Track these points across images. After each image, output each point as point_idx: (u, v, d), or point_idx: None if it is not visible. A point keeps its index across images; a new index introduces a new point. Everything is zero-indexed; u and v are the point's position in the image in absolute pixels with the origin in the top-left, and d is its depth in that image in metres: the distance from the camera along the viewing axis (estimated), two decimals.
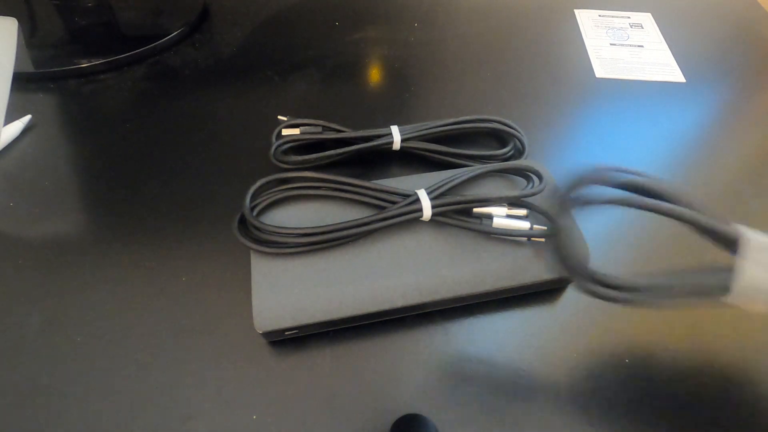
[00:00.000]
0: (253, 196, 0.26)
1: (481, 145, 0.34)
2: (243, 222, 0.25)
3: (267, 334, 0.23)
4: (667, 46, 0.44)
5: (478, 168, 0.28)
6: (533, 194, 0.26)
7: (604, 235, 0.29)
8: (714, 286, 0.16)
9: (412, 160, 0.32)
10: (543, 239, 0.25)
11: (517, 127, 0.32)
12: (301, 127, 0.31)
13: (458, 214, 0.26)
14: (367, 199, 0.26)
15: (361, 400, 0.23)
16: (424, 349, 0.24)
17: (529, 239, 0.25)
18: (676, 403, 0.23)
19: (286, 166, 0.30)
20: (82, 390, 0.23)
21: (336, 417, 0.22)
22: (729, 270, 0.16)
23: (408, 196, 0.26)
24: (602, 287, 0.18)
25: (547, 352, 0.24)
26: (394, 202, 0.26)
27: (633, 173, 0.18)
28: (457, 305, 0.25)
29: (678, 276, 0.17)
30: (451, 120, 0.32)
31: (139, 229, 0.29)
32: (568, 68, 0.41)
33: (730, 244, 0.16)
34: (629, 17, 0.47)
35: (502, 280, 0.24)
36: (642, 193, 0.18)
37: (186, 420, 0.22)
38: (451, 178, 0.27)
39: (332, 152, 0.30)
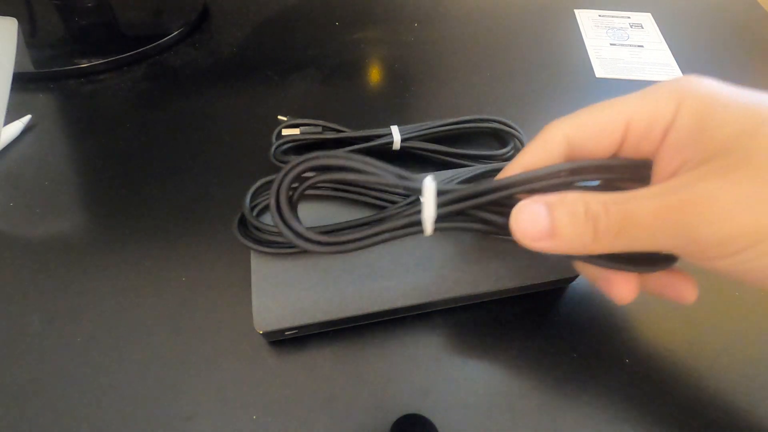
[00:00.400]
0: (253, 196, 0.26)
1: (481, 145, 0.34)
2: (243, 222, 0.25)
3: (267, 334, 0.23)
4: (667, 46, 0.44)
5: (478, 168, 0.28)
6: None
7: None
8: (407, 223, 0.20)
9: (412, 160, 0.32)
10: None
11: (517, 127, 0.32)
12: (301, 127, 0.31)
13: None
14: (367, 200, 0.26)
15: (361, 400, 0.23)
16: (424, 349, 0.24)
17: None
18: (676, 403, 0.23)
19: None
20: (83, 390, 0.23)
21: (336, 417, 0.22)
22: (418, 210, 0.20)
23: (408, 196, 0.26)
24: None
25: (547, 352, 0.24)
26: (394, 202, 0.26)
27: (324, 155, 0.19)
28: (457, 305, 0.25)
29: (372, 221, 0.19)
30: (451, 120, 0.32)
31: (139, 229, 0.29)
32: (568, 68, 0.41)
33: (415, 191, 0.19)
34: (629, 17, 0.47)
35: (503, 280, 0.24)
36: (329, 170, 0.20)
37: (186, 420, 0.22)
38: (451, 178, 0.27)
39: None
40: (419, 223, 0.20)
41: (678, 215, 0.16)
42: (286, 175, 0.19)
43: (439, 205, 0.20)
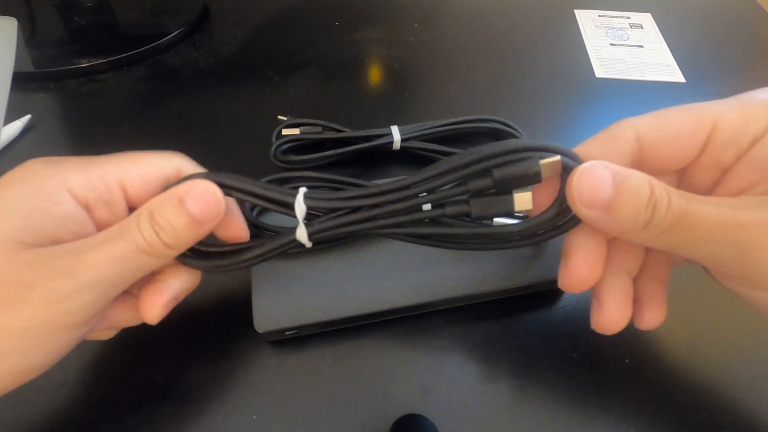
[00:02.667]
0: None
1: (481, 145, 0.34)
2: None
3: (267, 334, 0.23)
4: (666, 46, 0.44)
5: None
6: None
7: None
8: (288, 241, 0.19)
9: (412, 160, 0.32)
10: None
11: (517, 127, 0.32)
12: (301, 127, 0.31)
13: None
14: None
15: (361, 400, 0.23)
16: (424, 349, 0.24)
17: None
18: (676, 403, 0.23)
19: (286, 166, 0.30)
20: (83, 389, 0.23)
21: (336, 417, 0.22)
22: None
23: None
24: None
25: (547, 352, 0.24)
26: None
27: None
28: (457, 305, 0.25)
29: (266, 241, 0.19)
30: (451, 120, 0.32)
31: None
32: (568, 68, 0.41)
33: (287, 206, 0.19)
34: (629, 17, 0.47)
35: (502, 281, 0.24)
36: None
37: (186, 420, 0.22)
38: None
39: (332, 152, 0.30)
40: (296, 240, 0.19)
41: (738, 233, 0.15)
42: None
43: (311, 233, 0.19)
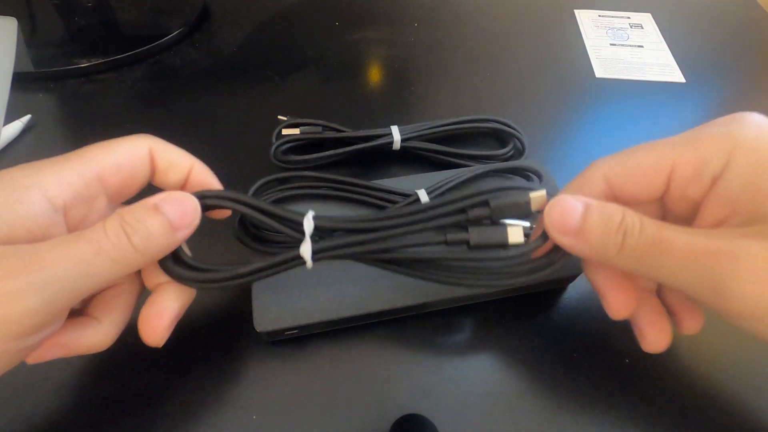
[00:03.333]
0: (253, 196, 0.26)
1: (481, 145, 0.34)
2: (243, 222, 0.25)
3: (267, 334, 0.23)
4: (666, 46, 0.44)
5: (478, 168, 0.28)
6: None
7: None
8: (291, 257, 0.19)
9: (412, 160, 0.32)
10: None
11: (517, 127, 0.32)
12: (301, 127, 0.31)
13: None
14: (367, 199, 0.26)
15: (361, 400, 0.23)
16: (424, 349, 0.24)
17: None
18: (676, 403, 0.23)
19: (286, 166, 0.30)
20: (82, 390, 0.23)
21: (336, 417, 0.22)
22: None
23: (408, 196, 0.26)
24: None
25: (547, 352, 0.24)
26: (394, 202, 0.26)
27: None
28: (457, 305, 0.25)
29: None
30: (451, 120, 0.32)
31: None
32: (568, 68, 0.41)
33: (295, 223, 0.19)
34: (629, 17, 0.47)
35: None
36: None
37: (186, 420, 0.22)
38: (451, 179, 0.27)
39: (332, 152, 0.30)
40: (299, 257, 0.19)
41: (710, 262, 0.15)
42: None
43: (315, 251, 0.19)
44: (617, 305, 0.20)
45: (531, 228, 0.21)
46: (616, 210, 0.17)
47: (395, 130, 0.31)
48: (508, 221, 0.19)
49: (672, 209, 0.20)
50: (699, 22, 0.46)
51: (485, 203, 0.19)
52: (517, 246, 0.19)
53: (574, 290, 0.27)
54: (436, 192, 0.26)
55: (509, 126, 0.32)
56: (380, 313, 0.24)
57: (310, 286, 0.23)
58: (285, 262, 0.19)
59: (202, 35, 0.43)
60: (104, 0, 0.44)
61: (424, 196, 0.25)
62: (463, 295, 0.24)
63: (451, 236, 0.19)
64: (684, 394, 0.23)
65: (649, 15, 0.47)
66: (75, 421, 0.22)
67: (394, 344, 0.24)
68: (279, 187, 0.27)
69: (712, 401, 0.23)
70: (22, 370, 0.19)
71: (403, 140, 0.30)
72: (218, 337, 0.25)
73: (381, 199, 0.26)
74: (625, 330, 0.25)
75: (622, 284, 0.20)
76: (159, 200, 0.17)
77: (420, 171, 0.30)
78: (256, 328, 0.23)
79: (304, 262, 0.19)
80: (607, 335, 0.25)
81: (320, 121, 0.31)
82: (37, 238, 0.16)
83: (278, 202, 0.27)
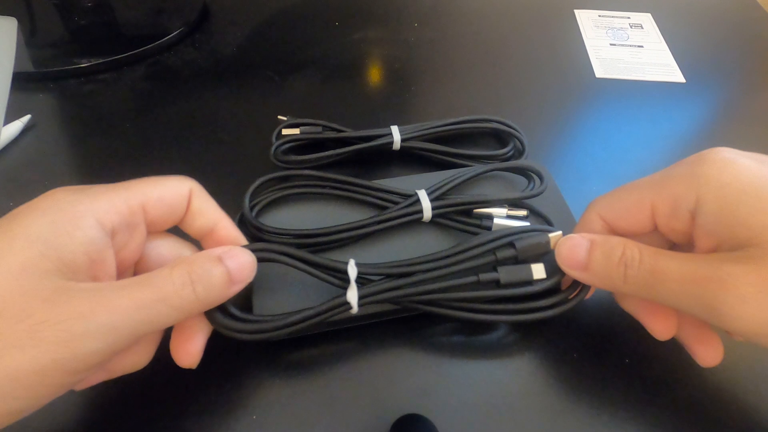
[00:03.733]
0: (253, 196, 0.26)
1: (481, 145, 0.34)
2: (243, 222, 0.25)
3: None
4: (666, 46, 0.44)
5: (478, 168, 0.28)
6: (534, 195, 0.26)
7: None
8: (339, 303, 0.20)
9: (412, 160, 0.32)
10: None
11: (517, 127, 0.32)
12: (301, 127, 0.31)
13: (459, 215, 0.26)
14: (367, 199, 0.26)
15: (361, 400, 0.23)
16: (424, 349, 0.24)
17: None
18: (676, 403, 0.23)
19: (286, 165, 0.30)
20: (83, 390, 0.23)
21: (336, 417, 0.22)
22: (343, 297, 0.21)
23: (408, 196, 0.26)
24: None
25: (547, 352, 0.24)
26: (394, 203, 0.26)
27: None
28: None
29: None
30: (451, 120, 0.32)
31: None
32: (568, 68, 0.41)
33: (339, 271, 0.21)
34: (629, 17, 0.47)
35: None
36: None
37: (186, 420, 0.22)
38: (452, 179, 0.27)
39: (332, 152, 0.30)
40: (346, 303, 0.20)
41: (702, 288, 0.17)
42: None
43: (361, 298, 0.21)
44: (658, 329, 0.21)
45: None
46: (617, 244, 0.19)
47: (395, 130, 0.31)
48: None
49: (671, 239, 0.21)
50: (699, 22, 0.46)
51: (511, 245, 0.21)
52: (541, 281, 0.21)
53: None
54: (437, 192, 0.26)
55: (509, 126, 0.32)
56: (380, 314, 0.24)
57: (310, 285, 0.23)
58: (333, 308, 0.20)
59: (202, 35, 0.43)
60: (104, 0, 0.44)
61: (424, 196, 0.25)
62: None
63: (484, 276, 0.21)
64: (684, 394, 0.23)
65: (649, 15, 0.47)
66: (75, 422, 0.22)
67: (394, 344, 0.24)
68: (279, 186, 0.27)
69: (713, 401, 0.23)
70: None
71: (403, 140, 0.30)
72: (218, 337, 0.25)
73: (381, 199, 0.26)
74: (625, 330, 0.25)
75: (657, 308, 0.21)
76: (222, 252, 0.18)
77: (420, 171, 0.30)
78: None
79: (350, 308, 0.20)
80: (607, 335, 0.25)
81: (320, 121, 0.31)
82: (95, 261, 0.17)
83: (278, 200, 0.27)
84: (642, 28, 0.46)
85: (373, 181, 0.27)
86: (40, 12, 0.43)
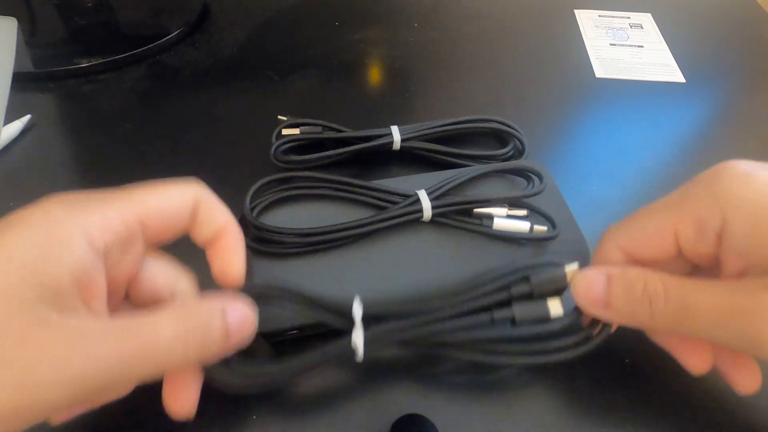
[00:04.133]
0: (253, 197, 0.26)
1: (481, 145, 0.34)
2: (243, 222, 0.25)
3: (267, 335, 0.23)
4: (666, 46, 0.44)
5: (478, 168, 0.28)
6: (534, 194, 0.26)
7: None
8: (342, 347, 0.19)
9: (412, 160, 0.32)
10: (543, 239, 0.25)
11: (517, 127, 0.32)
12: (301, 127, 0.31)
13: (458, 215, 0.26)
14: (367, 199, 0.26)
15: (361, 400, 0.23)
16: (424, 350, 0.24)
17: (529, 240, 0.25)
18: (676, 403, 0.23)
19: (286, 166, 0.30)
20: None
21: (336, 417, 0.22)
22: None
23: (408, 196, 0.26)
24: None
25: None
26: (394, 203, 0.26)
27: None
28: None
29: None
30: (451, 120, 0.32)
31: None
32: (568, 68, 0.41)
33: (343, 311, 0.20)
34: (629, 17, 0.47)
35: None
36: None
37: (187, 419, 0.22)
38: (452, 179, 0.27)
39: (332, 152, 0.30)
40: (350, 348, 0.19)
41: (739, 320, 0.16)
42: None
43: (367, 341, 0.19)
44: (693, 363, 0.20)
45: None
46: (637, 277, 0.18)
47: (395, 130, 0.31)
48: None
49: (696, 263, 0.20)
50: (699, 22, 0.46)
51: (526, 279, 0.20)
52: (559, 319, 0.20)
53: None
54: (437, 192, 0.26)
55: (509, 126, 0.32)
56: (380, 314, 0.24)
57: (311, 286, 0.23)
58: (336, 353, 0.20)
59: (202, 35, 0.43)
60: (104, 0, 0.44)
61: (424, 196, 0.25)
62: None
63: (498, 315, 0.20)
64: (684, 394, 0.23)
65: (649, 15, 0.47)
66: (74, 422, 0.22)
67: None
68: (279, 187, 0.27)
69: (713, 401, 0.23)
70: None
71: (403, 140, 0.30)
72: None
73: (381, 199, 0.26)
74: (624, 330, 0.25)
75: (690, 341, 0.20)
76: (224, 306, 0.17)
77: (420, 171, 0.30)
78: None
79: (354, 354, 0.19)
80: (607, 335, 0.25)
81: (320, 121, 0.31)
82: (84, 284, 0.16)
83: (278, 202, 0.27)
84: (642, 28, 0.46)
85: (373, 182, 0.27)
86: (40, 12, 0.43)
